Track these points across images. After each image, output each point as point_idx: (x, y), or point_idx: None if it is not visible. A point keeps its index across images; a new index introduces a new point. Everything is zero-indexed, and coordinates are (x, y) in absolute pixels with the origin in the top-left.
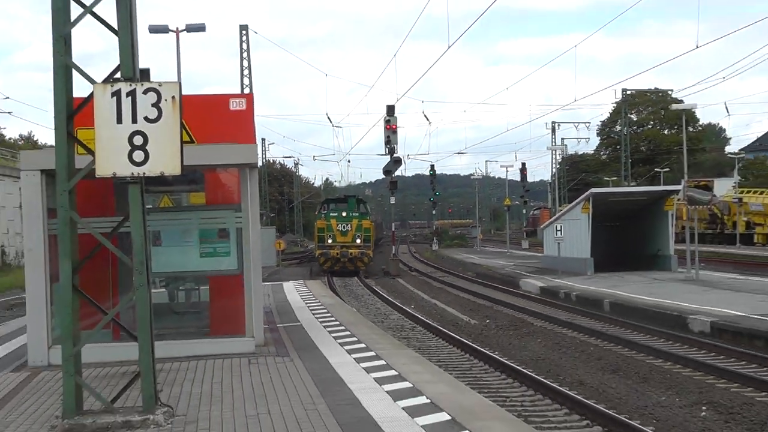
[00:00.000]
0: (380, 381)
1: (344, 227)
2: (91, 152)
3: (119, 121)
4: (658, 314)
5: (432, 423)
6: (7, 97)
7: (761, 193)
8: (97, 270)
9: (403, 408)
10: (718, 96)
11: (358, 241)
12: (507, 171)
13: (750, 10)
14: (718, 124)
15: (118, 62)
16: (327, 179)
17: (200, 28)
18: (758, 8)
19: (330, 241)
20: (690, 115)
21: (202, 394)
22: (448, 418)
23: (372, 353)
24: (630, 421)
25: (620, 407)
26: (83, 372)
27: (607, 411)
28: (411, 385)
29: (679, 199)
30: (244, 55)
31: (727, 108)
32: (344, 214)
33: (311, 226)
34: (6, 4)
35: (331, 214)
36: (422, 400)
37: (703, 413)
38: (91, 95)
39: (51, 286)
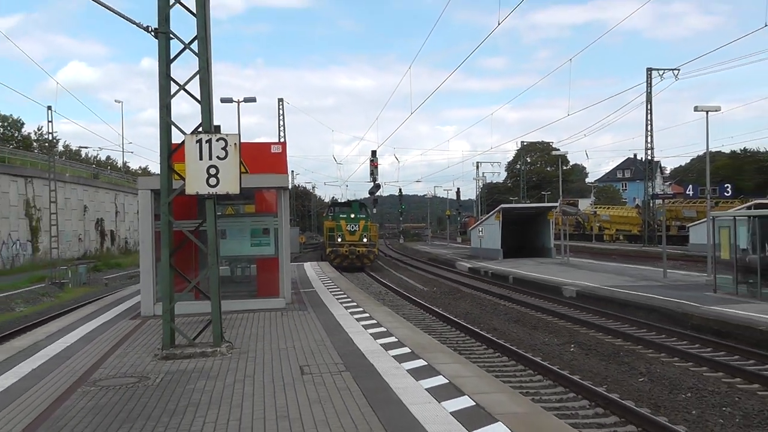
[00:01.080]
0: (366, 327)
1: (353, 227)
2: (182, 178)
3: (200, 158)
4: (543, 285)
5: (399, 354)
6: (131, 142)
7: (608, 208)
8: (185, 254)
9: (380, 344)
10: (582, 146)
11: (365, 240)
12: (448, 193)
13: (603, 91)
14: (581, 164)
15: (200, 121)
16: (333, 197)
17: (252, 100)
18: (609, 90)
19: (339, 239)
20: (563, 158)
21: (251, 334)
22: (409, 351)
23: (360, 309)
24: (525, 354)
25: (519, 345)
26: (176, 320)
27: (510, 346)
28: (385, 330)
29: (556, 212)
30: (281, 117)
31: (587, 154)
32: (352, 216)
33: (322, 226)
34: (133, 83)
35: (340, 215)
36: (392, 339)
37: (572, 349)
38: (183, 142)
39: (156, 264)
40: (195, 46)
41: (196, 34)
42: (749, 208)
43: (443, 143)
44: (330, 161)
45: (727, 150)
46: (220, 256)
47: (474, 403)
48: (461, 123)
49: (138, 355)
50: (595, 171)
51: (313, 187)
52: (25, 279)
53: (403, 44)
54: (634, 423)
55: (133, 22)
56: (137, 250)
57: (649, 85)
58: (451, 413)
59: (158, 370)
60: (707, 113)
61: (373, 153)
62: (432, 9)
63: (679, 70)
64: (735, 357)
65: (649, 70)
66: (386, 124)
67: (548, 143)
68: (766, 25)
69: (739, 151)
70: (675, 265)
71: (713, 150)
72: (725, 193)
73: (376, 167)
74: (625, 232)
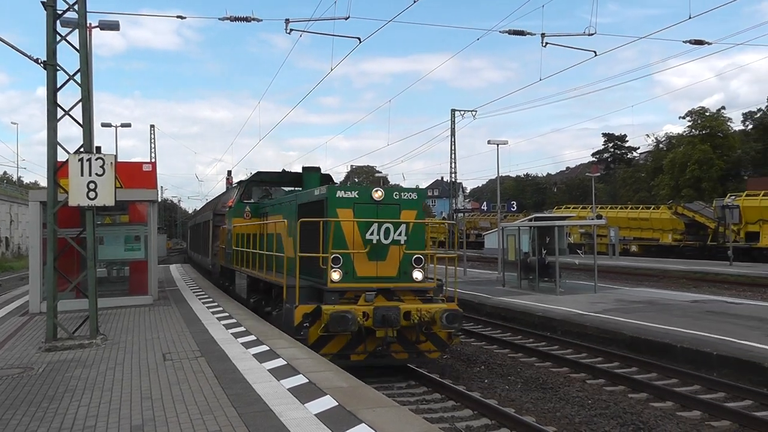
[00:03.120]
0: (219, 319)
1: (383, 237)
2: (66, 192)
3: (82, 174)
4: None
5: (246, 341)
6: (24, 159)
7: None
8: (68, 258)
9: (231, 333)
10: (400, 169)
11: (420, 275)
12: None
13: (417, 126)
14: (399, 184)
15: (82, 142)
16: (195, 209)
17: (128, 125)
18: (421, 125)
19: (336, 276)
20: (384, 179)
21: (123, 327)
22: (255, 338)
23: (216, 304)
24: None
25: None
26: (58, 316)
27: None
28: (236, 321)
29: None
30: (152, 141)
31: (403, 176)
32: (379, 204)
33: (189, 233)
34: (29, 109)
35: (337, 202)
36: (241, 329)
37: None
38: (67, 160)
39: (42, 267)
40: (78, 77)
41: (79, 67)
42: (530, 220)
43: (287, 165)
44: (193, 179)
45: (513, 174)
46: (98, 260)
47: (307, 380)
48: (302, 150)
49: (24, 347)
50: None
51: (179, 201)
52: None
53: (255, 83)
54: (439, 392)
55: (26, 55)
56: (26, 255)
57: (453, 122)
58: (288, 389)
59: (41, 360)
60: (498, 146)
61: (229, 172)
62: (279, 54)
63: (476, 111)
64: (518, 336)
65: (453, 110)
66: (240, 149)
67: (373, 167)
68: (540, 80)
69: (522, 176)
70: (473, 265)
71: (503, 174)
72: (512, 209)
73: (232, 184)
74: (434, 239)
